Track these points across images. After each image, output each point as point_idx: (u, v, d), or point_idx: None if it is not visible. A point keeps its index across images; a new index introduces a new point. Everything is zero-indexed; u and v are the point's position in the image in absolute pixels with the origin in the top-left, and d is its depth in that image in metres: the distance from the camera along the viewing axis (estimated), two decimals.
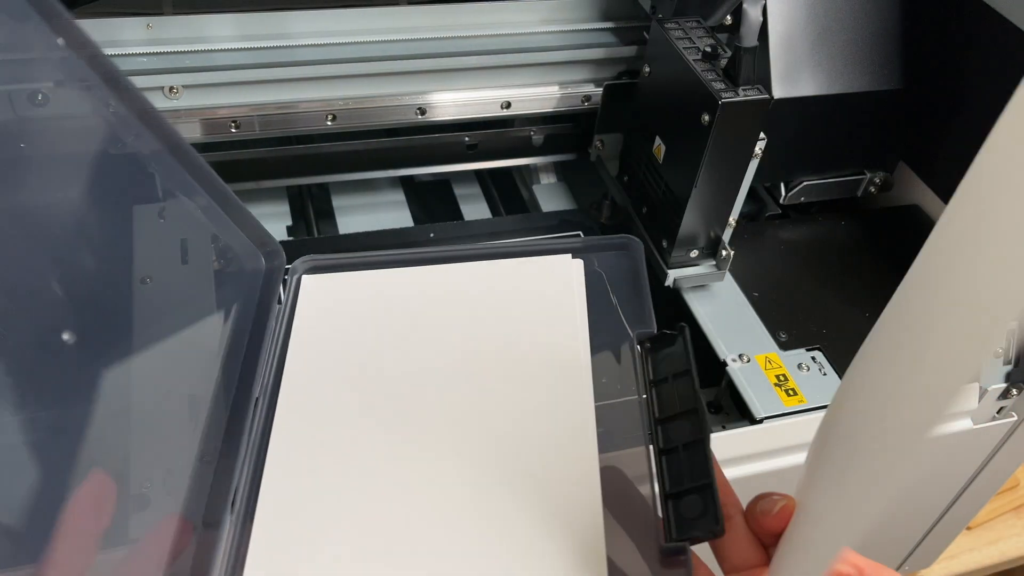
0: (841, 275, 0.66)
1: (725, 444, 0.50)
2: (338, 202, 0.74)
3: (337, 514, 0.39)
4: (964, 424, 0.56)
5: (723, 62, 0.53)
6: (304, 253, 0.60)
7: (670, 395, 0.41)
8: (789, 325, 0.61)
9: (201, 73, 0.57)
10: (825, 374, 0.57)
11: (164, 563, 0.35)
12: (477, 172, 0.80)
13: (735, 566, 0.35)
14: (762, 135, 0.55)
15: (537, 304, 0.47)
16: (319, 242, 0.63)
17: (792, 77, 0.61)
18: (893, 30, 0.64)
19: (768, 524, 0.34)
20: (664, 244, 0.61)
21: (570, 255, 0.50)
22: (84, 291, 0.37)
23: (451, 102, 0.64)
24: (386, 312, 0.48)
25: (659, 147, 0.60)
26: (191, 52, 0.59)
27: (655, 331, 0.45)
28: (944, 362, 0.26)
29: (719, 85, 0.52)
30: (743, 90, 0.51)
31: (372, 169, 0.68)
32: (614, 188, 0.69)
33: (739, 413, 0.56)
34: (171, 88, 0.56)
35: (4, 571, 0.38)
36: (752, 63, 0.51)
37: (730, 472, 0.50)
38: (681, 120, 0.56)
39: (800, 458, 0.43)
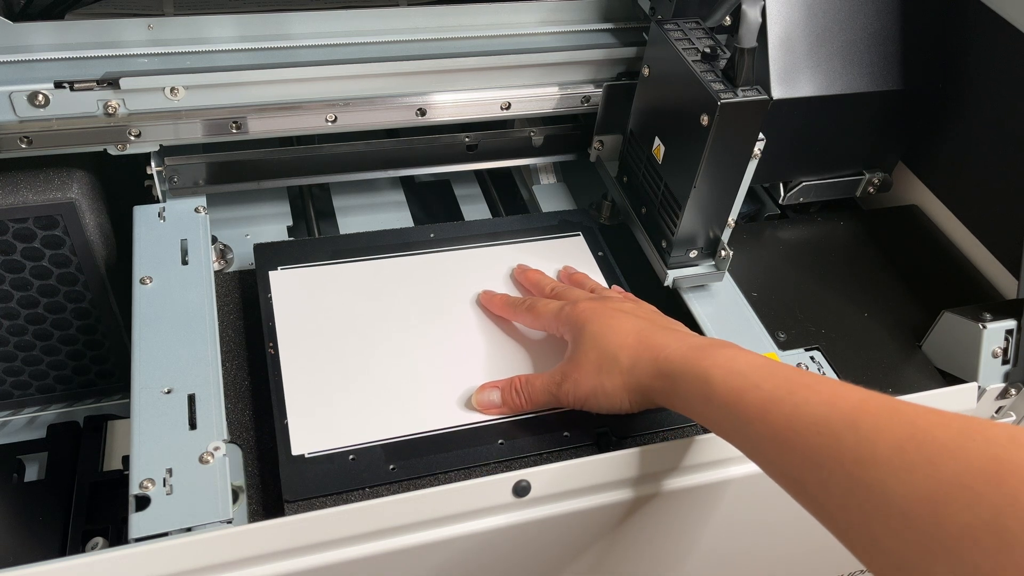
0: (840, 275, 0.66)
1: (725, 443, 0.50)
2: (338, 202, 0.74)
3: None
4: None
5: (722, 63, 0.54)
6: (304, 253, 0.61)
7: None
8: (788, 325, 0.61)
9: (202, 74, 0.57)
10: (824, 374, 0.58)
11: None
12: (477, 172, 0.80)
13: None
14: (761, 136, 0.55)
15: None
16: (320, 242, 0.63)
17: (791, 78, 0.62)
18: (892, 31, 0.64)
19: None
20: (663, 244, 0.61)
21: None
22: None
23: (451, 103, 0.64)
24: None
25: (658, 148, 0.60)
26: (192, 53, 0.59)
27: None
28: None
29: (718, 86, 0.52)
30: (742, 91, 0.52)
31: (372, 169, 0.68)
32: (614, 188, 0.69)
33: None
34: (172, 89, 0.57)
35: (5, 570, 0.39)
36: (751, 64, 0.51)
37: (729, 471, 0.50)
38: (680, 121, 0.56)
39: None
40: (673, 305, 0.62)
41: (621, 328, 0.49)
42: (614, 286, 0.62)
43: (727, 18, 0.56)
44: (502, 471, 0.47)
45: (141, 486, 0.44)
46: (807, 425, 0.37)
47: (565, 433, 0.51)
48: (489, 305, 0.58)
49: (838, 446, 0.35)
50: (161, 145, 0.60)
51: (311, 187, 0.74)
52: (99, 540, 0.55)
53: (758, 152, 0.56)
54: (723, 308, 0.61)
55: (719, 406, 0.42)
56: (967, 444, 0.31)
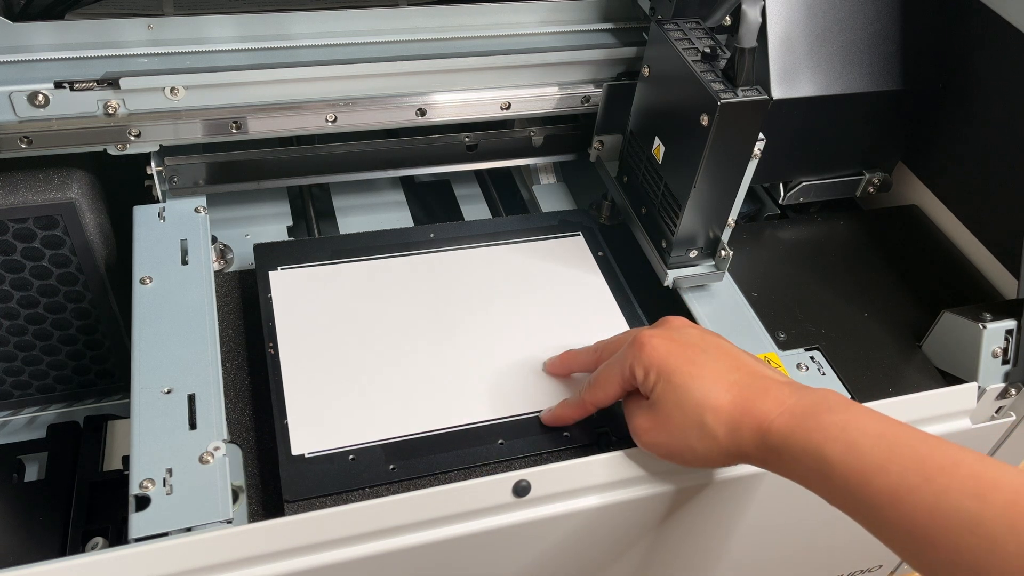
0: (840, 275, 0.66)
1: None
2: (338, 202, 0.74)
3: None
4: (963, 424, 0.56)
5: (722, 63, 0.54)
6: (304, 253, 0.61)
7: None
8: (788, 325, 0.61)
9: (202, 74, 0.57)
10: (824, 374, 0.58)
11: None
12: (477, 172, 0.80)
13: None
14: (761, 136, 0.55)
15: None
16: (320, 242, 0.63)
17: (791, 78, 0.62)
18: (892, 31, 0.64)
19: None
20: (663, 244, 0.61)
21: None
22: None
23: (451, 103, 0.64)
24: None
25: (658, 148, 0.60)
26: (192, 53, 0.59)
27: None
28: None
29: (718, 86, 0.52)
30: (742, 91, 0.52)
31: (372, 169, 0.68)
32: (614, 188, 0.69)
33: None
34: (172, 89, 0.57)
35: (5, 570, 0.39)
36: (751, 64, 0.51)
37: (731, 471, 0.50)
38: (680, 121, 0.56)
39: None
40: (673, 305, 0.62)
41: (711, 382, 0.44)
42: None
43: (727, 18, 0.56)
44: (502, 471, 0.47)
45: (141, 486, 0.44)
46: (954, 522, 0.34)
47: (565, 433, 0.51)
48: (554, 369, 0.55)
49: (998, 552, 0.32)
50: (161, 145, 0.60)
51: (311, 187, 0.74)
52: (99, 540, 0.55)
53: (758, 152, 0.56)
54: (723, 308, 0.61)
55: (841, 489, 0.39)
56: None
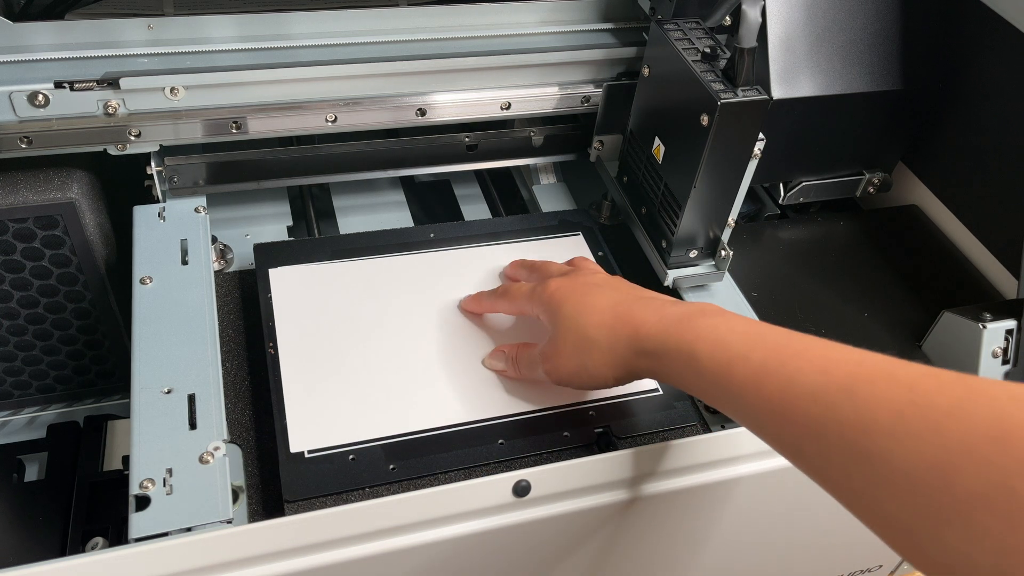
0: (840, 275, 0.66)
1: (725, 443, 0.50)
2: (338, 202, 0.74)
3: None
4: None
5: (722, 63, 0.54)
6: (304, 253, 0.61)
7: None
8: (788, 325, 0.60)
9: (202, 74, 0.57)
10: None
11: None
12: (477, 172, 0.80)
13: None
14: (761, 136, 0.55)
15: None
16: (320, 242, 0.63)
17: (791, 78, 0.62)
18: (892, 31, 0.64)
19: None
20: (663, 244, 0.61)
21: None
22: None
23: (451, 103, 0.64)
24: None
25: (658, 148, 0.60)
26: (192, 53, 0.59)
27: None
28: None
29: (718, 86, 0.52)
30: (742, 91, 0.52)
31: (372, 169, 0.68)
32: (614, 188, 0.69)
33: None
34: (172, 89, 0.57)
35: (5, 570, 0.39)
36: (751, 64, 0.51)
37: (731, 471, 0.50)
38: (680, 121, 0.56)
39: None
40: None
41: (596, 305, 0.48)
42: (581, 258, 0.60)
43: (727, 18, 0.56)
44: (502, 471, 0.47)
45: (141, 486, 0.44)
46: (802, 395, 0.36)
47: (565, 433, 0.51)
48: (468, 306, 0.58)
49: (836, 415, 0.34)
50: (161, 145, 0.60)
51: (311, 187, 0.74)
52: (99, 540, 0.55)
53: (758, 152, 0.56)
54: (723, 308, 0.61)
55: (709, 381, 0.41)
56: (969, 407, 0.30)
